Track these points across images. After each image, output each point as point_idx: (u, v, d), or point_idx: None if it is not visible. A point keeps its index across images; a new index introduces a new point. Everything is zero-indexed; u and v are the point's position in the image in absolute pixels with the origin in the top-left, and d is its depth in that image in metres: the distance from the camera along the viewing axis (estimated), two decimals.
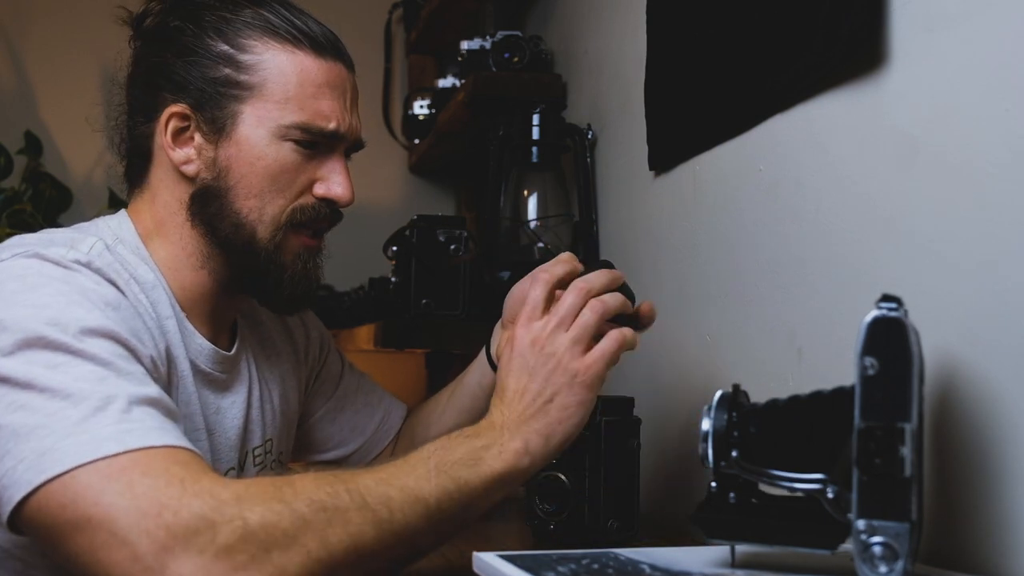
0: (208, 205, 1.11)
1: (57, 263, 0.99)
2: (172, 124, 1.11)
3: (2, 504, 0.87)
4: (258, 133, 1.09)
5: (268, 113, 1.09)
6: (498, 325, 1.25)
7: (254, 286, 1.15)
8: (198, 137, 1.11)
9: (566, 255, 1.10)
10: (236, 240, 1.11)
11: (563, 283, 1.06)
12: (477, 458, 0.95)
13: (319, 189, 1.13)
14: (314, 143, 1.11)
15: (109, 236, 1.10)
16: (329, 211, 1.14)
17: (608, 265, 1.11)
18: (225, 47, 1.10)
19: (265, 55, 1.10)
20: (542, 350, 1.00)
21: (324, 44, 1.12)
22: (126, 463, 0.85)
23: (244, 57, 1.10)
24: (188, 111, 1.10)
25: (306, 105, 1.10)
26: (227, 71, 1.10)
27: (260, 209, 1.10)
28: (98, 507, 0.83)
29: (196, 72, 1.10)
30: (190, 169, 1.11)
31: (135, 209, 1.16)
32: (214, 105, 1.10)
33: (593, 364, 1.00)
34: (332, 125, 1.11)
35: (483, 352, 1.28)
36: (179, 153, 1.11)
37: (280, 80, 1.09)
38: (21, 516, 0.86)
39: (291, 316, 1.33)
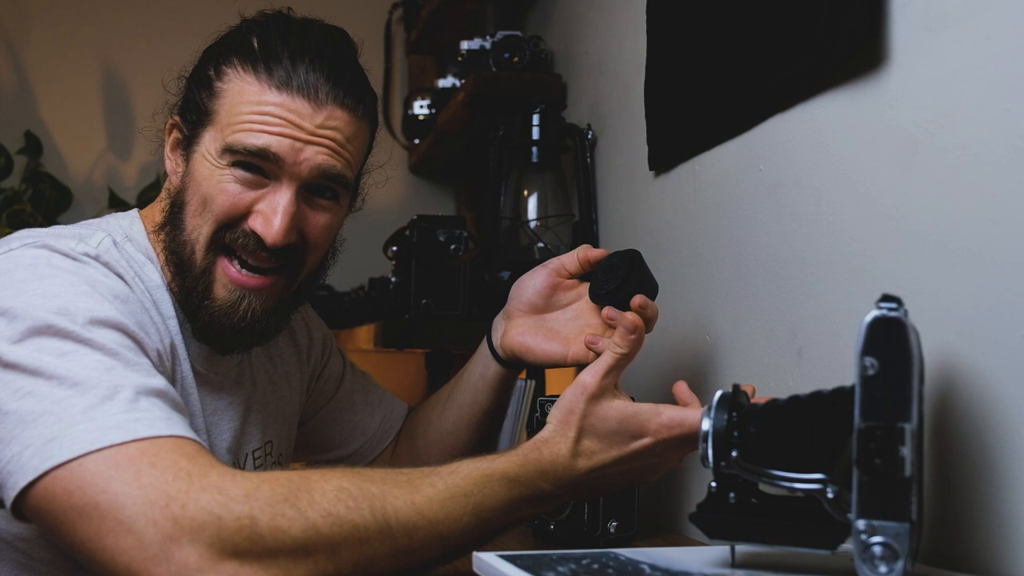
0: (171, 217, 1.12)
1: (66, 255, 1.00)
2: (173, 134, 1.15)
3: (7, 489, 0.87)
4: (204, 155, 1.10)
5: (215, 135, 1.09)
6: (499, 316, 1.26)
7: (185, 306, 1.12)
8: (180, 151, 1.14)
9: (583, 248, 1.19)
10: (182, 255, 1.11)
11: (572, 274, 1.15)
12: (515, 509, 0.96)
13: (251, 220, 1.09)
14: (249, 165, 1.07)
15: (118, 234, 1.11)
16: (253, 243, 1.08)
17: (634, 257, 1.12)
18: (210, 71, 1.11)
19: (232, 83, 1.09)
20: (653, 457, 1.00)
21: (291, 81, 1.07)
22: (134, 452, 0.85)
23: (217, 84, 1.10)
24: (181, 125, 1.14)
25: (242, 127, 1.07)
26: (203, 94, 1.11)
27: (199, 228, 1.10)
28: (105, 494, 0.83)
29: (189, 91, 1.14)
30: (174, 180, 1.14)
31: (150, 208, 1.18)
32: (191, 124, 1.12)
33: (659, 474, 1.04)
34: (259, 142, 1.06)
35: (483, 346, 1.28)
36: (170, 162, 1.15)
37: (232, 106, 1.08)
38: (26, 502, 0.87)
39: (287, 327, 1.32)
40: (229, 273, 1.10)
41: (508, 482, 0.95)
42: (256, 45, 1.09)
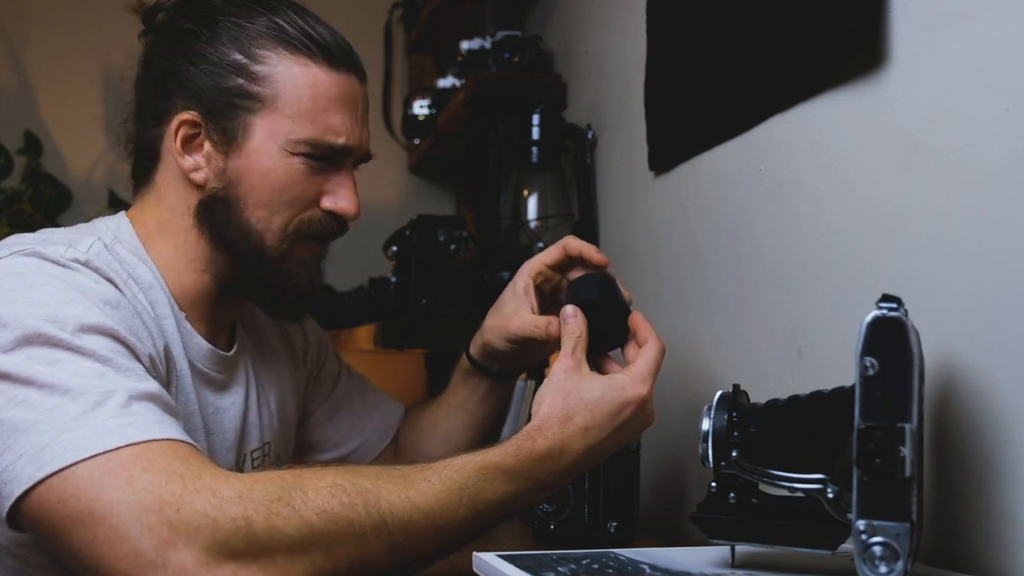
0: (216, 213, 1.10)
1: (56, 262, 0.99)
2: (182, 131, 1.10)
3: (2, 499, 0.87)
4: (268, 146, 1.09)
5: (279, 126, 1.08)
6: (478, 332, 1.26)
7: (258, 293, 1.15)
8: (208, 146, 1.10)
9: (566, 240, 1.18)
10: (244, 248, 1.11)
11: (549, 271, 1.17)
12: (511, 501, 0.96)
13: (326, 202, 1.12)
14: (323, 157, 1.10)
15: (108, 236, 1.10)
16: (336, 224, 1.13)
17: (603, 280, 1.12)
18: (239, 56, 1.09)
19: (279, 67, 1.08)
20: (643, 413, 1.02)
21: (338, 55, 1.11)
22: (127, 457, 0.85)
23: (257, 68, 1.08)
24: (199, 119, 1.09)
25: (317, 120, 1.09)
26: (240, 81, 1.08)
27: (268, 220, 1.10)
28: (99, 502, 0.83)
29: (209, 81, 1.09)
30: (199, 176, 1.10)
31: (138, 209, 1.16)
32: (225, 115, 1.09)
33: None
34: (342, 140, 1.10)
35: (465, 365, 1.29)
36: (188, 160, 1.11)
37: (292, 93, 1.08)
38: (21, 511, 0.86)
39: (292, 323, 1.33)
40: (304, 252, 1.13)
41: (504, 474, 0.95)
42: (281, 22, 1.10)
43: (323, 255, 1.17)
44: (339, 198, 1.12)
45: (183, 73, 1.10)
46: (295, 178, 1.09)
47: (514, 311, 1.18)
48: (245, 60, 1.09)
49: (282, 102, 1.08)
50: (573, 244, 1.17)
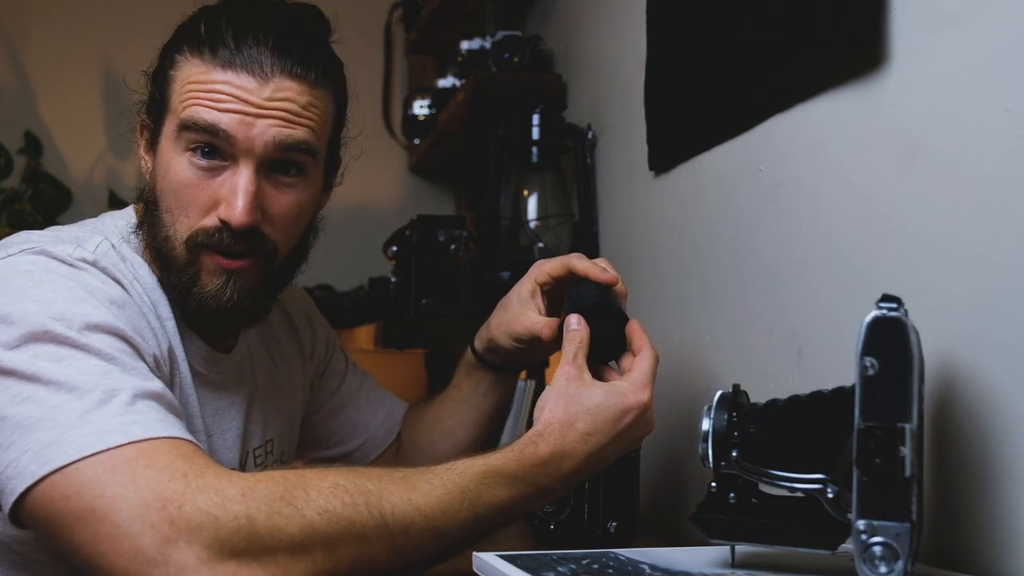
0: (147, 215, 1.11)
1: (63, 261, 1.00)
2: (144, 134, 1.13)
3: (5, 495, 0.87)
4: (166, 146, 1.08)
5: (170, 123, 1.08)
6: (484, 326, 1.26)
7: (175, 298, 1.11)
8: (149, 149, 1.12)
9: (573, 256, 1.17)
10: (164, 251, 1.09)
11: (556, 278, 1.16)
12: (513, 506, 0.96)
13: (219, 210, 1.06)
14: (208, 150, 1.05)
15: (114, 235, 1.10)
16: (230, 235, 1.05)
17: (603, 289, 1.12)
18: (165, 63, 1.10)
19: (180, 69, 1.08)
20: (644, 419, 1.03)
21: (234, 58, 1.05)
22: (130, 455, 0.85)
23: (170, 72, 1.09)
24: (148, 123, 1.12)
25: (190, 105, 1.05)
26: (159, 86, 1.10)
27: (172, 224, 1.08)
28: (102, 499, 0.83)
29: (151, 87, 1.12)
30: (147, 178, 1.12)
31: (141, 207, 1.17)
32: (153, 119, 1.11)
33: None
34: (209, 117, 1.04)
35: (470, 358, 1.29)
36: (143, 162, 1.13)
37: (179, 89, 1.07)
38: (24, 507, 0.87)
39: (293, 319, 1.33)
40: (215, 260, 1.08)
41: (506, 478, 0.95)
42: (203, 30, 1.08)
43: (255, 272, 1.09)
44: (224, 204, 1.06)
45: (152, 78, 1.13)
46: (185, 179, 1.06)
47: (521, 311, 1.19)
48: (167, 66, 1.09)
49: (173, 100, 1.08)
50: (578, 265, 1.16)
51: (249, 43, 1.06)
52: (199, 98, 1.05)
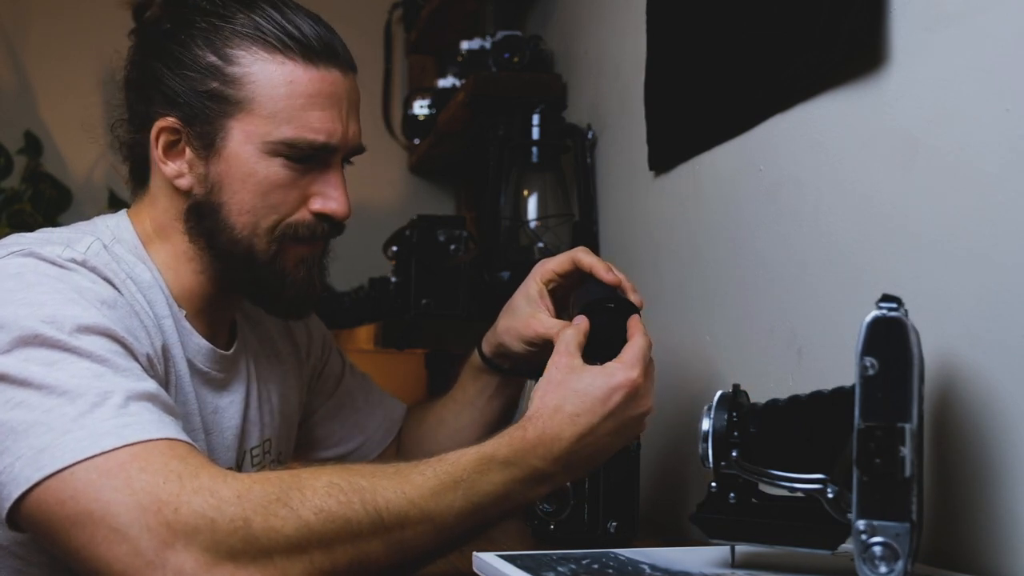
0: (203, 219, 1.09)
1: (53, 262, 0.99)
2: (163, 138, 1.08)
3: (1, 500, 0.87)
4: (247, 149, 1.06)
5: (256, 128, 1.06)
6: (491, 331, 1.26)
7: (255, 294, 1.14)
8: (188, 152, 1.08)
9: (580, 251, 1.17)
10: (234, 252, 1.09)
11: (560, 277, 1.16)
12: (509, 492, 0.95)
13: (315, 204, 1.09)
14: (306, 157, 1.07)
15: (107, 236, 1.09)
16: (327, 226, 1.11)
17: (609, 288, 1.12)
18: (213, 58, 1.06)
19: (253, 67, 1.05)
20: (635, 399, 1.02)
21: (317, 49, 1.07)
22: (124, 458, 0.85)
23: (232, 69, 1.06)
24: (178, 125, 1.08)
25: (295, 119, 1.05)
26: (214, 84, 1.06)
27: (254, 225, 1.08)
28: (97, 502, 0.83)
29: (185, 85, 1.07)
30: (183, 183, 1.09)
31: (137, 210, 1.15)
32: (203, 120, 1.07)
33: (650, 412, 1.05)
34: (322, 139, 1.06)
35: (476, 362, 1.29)
36: (171, 167, 1.09)
37: (268, 93, 1.05)
38: (20, 513, 0.86)
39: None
40: (299, 252, 1.11)
41: (499, 464, 0.95)
42: (257, 19, 1.06)
43: (322, 253, 1.14)
44: (327, 199, 1.09)
45: (161, 79, 1.08)
46: (277, 181, 1.07)
47: (531, 314, 1.17)
48: (219, 62, 1.06)
49: (257, 103, 1.05)
50: (584, 259, 1.16)
51: (322, 33, 1.09)
52: (303, 109, 1.06)
